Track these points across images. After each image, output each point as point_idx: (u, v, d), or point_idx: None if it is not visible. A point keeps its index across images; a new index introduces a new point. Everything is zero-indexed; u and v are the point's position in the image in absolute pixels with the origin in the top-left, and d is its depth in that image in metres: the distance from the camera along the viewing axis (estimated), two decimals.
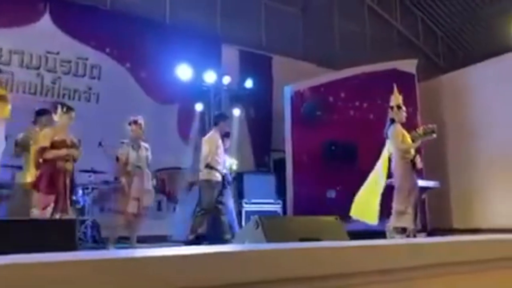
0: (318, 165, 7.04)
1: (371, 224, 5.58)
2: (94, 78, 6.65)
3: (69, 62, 6.57)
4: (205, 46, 7.12)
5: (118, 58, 6.76)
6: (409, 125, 7.52)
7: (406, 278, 0.98)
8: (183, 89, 6.77)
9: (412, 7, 9.69)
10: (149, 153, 4.84)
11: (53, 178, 3.82)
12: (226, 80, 7.09)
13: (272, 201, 6.73)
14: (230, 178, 5.50)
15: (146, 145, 4.86)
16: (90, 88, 6.64)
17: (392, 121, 4.71)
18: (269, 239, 2.57)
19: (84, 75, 6.63)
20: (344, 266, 0.91)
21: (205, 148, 5.13)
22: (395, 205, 4.43)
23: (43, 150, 3.88)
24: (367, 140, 6.87)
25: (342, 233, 3.14)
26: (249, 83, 7.29)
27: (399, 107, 4.72)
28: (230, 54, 7.52)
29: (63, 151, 3.92)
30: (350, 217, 6.31)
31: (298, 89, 7.30)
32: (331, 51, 8.81)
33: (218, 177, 5.10)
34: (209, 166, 5.07)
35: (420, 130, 4.66)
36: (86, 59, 6.62)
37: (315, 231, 2.87)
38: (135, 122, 4.74)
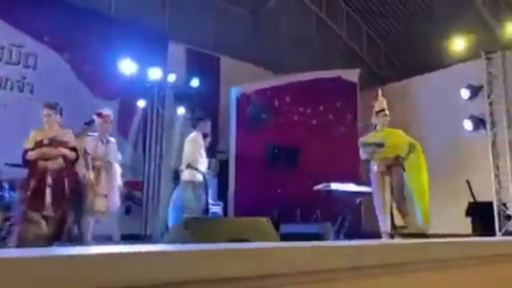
0: (260, 167, 7.16)
1: (310, 227, 5.77)
2: (29, 67, 6.30)
3: (2, 48, 6.16)
4: (151, 42, 6.96)
5: (57, 47, 6.44)
6: (348, 132, 7.91)
7: (327, 279, 1.00)
8: (125, 84, 6.65)
9: (358, 20, 9.98)
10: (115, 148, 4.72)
11: (38, 178, 3.92)
12: (172, 77, 7.00)
13: (213, 202, 6.61)
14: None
15: (113, 139, 4.76)
16: (24, 78, 6.26)
17: (375, 127, 4.73)
18: (197, 240, 2.53)
19: (18, 63, 6.24)
20: (269, 267, 0.91)
21: (187, 148, 5.10)
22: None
23: (25, 152, 4.00)
24: (309, 144, 7.28)
25: (272, 234, 3.14)
26: (195, 82, 7.24)
27: (382, 111, 4.73)
28: (177, 51, 7.43)
29: (37, 152, 3.97)
30: (290, 219, 6.49)
31: (244, 91, 7.57)
32: (279, 55, 8.88)
33: (200, 177, 5.08)
34: (190, 166, 5.06)
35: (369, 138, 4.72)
36: (21, 46, 6.24)
37: (244, 232, 2.85)
38: (100, 115, 4.57)
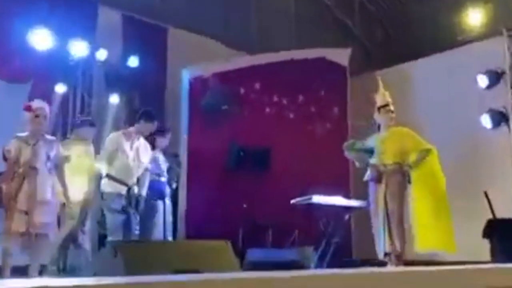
0: (220, 174, 7.20)
1: (286, 252, 5.94)
2: None
3: None
4: (74, 7, 6.86)
5: None
6: (335, 129, 8.04)
7: None
8: (39, 62, 6.50)
9: None
10: (55, 151, 4.76)
11: None
12: (102, 54, 6.88)
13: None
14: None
15: (52, 138, 4.86)
16: None
17: (378, 126, 4.93)
18: (130, 271, 2.51)
19: None
20: None
21: (102, 152, 5.36)
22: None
23: None
24: (285, 145, 7.32)
25: (233, 262, 3.22)
26: (134, 61, 7.13)
27: (385, 107, 4.92)
28: (109, 20, 7.28)
29: None
30: (259, 242, 6.68)
31: (200, 74, 7.37)
32: (246, 30, 8.81)
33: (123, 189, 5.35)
34: (108, 176, 5.31)
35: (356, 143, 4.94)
36: None
37: (196, 260, 2.91)
38: (28, 108, 4.65)
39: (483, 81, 7.37)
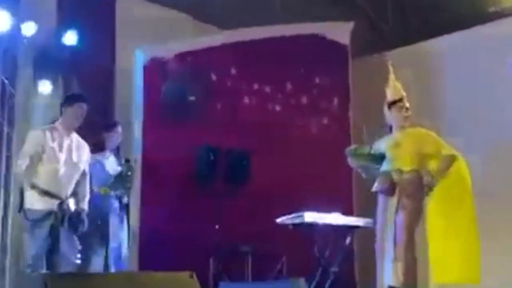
0: (185, 185, 7.06)
1: (270, 286, 5.88)
2: None
3: None
4: None
5: None
6: (333, 125, 8.06)
7: None
8: None
9: None
10: None
11: None
12: (29, 28, 6.44)
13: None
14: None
15: None
16: None
17: (390, 128, 4.95)
18: None
19: None
20: None
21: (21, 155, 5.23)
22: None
23: None
24: (268, 146, 7.18)
25: None
26: (71, 38, 6.72)
27: (398, 102, 4.89)
28: None
29: None
30: (236, 273, 6.68)
31: (159, 55, 7.19)
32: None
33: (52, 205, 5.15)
34: (33, 186, 5.13)
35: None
36: None
37: None
38: None
39: None
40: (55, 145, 5.09)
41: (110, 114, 6.91)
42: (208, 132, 7.03)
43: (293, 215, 6.00)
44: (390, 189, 4.72)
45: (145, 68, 7.03)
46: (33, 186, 4.98)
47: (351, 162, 4.97)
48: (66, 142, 5.14)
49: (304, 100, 7.89)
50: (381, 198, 4.84)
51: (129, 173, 6.20)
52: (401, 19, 9.56)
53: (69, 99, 5.37)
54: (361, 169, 5.06)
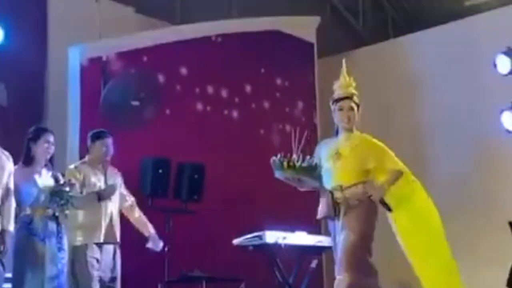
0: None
1: None
2: None
3: None
4: None
5: None
6: (303, 130, 7.95)
7: None
8: None
9: None
10: None
11: None
12: None
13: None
14: None
15: None
16: None
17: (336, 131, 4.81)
18: None
19: None
20: None
21: None
22: None
23: None
24: (224, 157, 7.17)
25: None
26: None
27: (344, 100, 4.69)
28: None
29: None
30: None
31: (97, 54, 6.98)
32: None
33: None
34: None
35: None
36: None
37: None
38: None
39: (503, 64, 7.03)
40: None
41: (41, 121, 6.67)
42: (154, 141, 6.89)
43: (252, 234, 5.84)
44: (333, 213, 4.52)
45: (82, 68, 6.83)
46: None
47: (279, 175, 4.63)
48: None
49: (265, 104, 7.90)
50: (330, 225, 4.70)
51: (67, 188, 5.64)
52: (376, 12, 9.75)
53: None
54: (293, 183, 4.75)
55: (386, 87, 8.69)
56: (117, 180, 5.59)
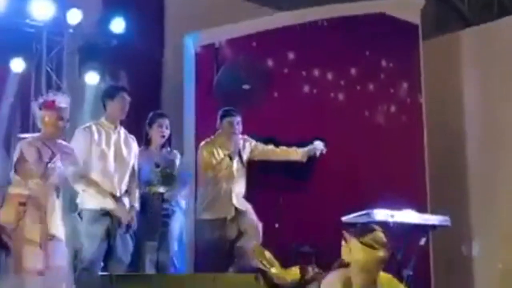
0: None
1: None
2: None
3: None
4: None
5: None
6: (403, 114, 7.96)
7: None
8: None
9: None
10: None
11: None
12: (75, 17, 6.59)
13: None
14: None
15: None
16: None
17: None
18: None
19: None
20: None
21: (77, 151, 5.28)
22: None
23: None
24: (331, 137, 7.02)
25: None
26: (118, 25, 6.84)
27: None
28: None
29: None
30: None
31: (210, 41, 7.16)
32: None
33: (109, 205, 5.33)
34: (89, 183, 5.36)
35: None
36: None
37: None
38: (49, 105, 4.71)
39: None
40: (102, 141, 5.22)
41: (158, 106, 6.98)
42: (266, 122, 7.03)
43: (361, 212, 5.90)
44: None
45: (197, 55, 7.05)
46: (89, 184, 5.12)
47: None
48: (113, 138, 5.27)
49: (370, 86, 7.83)
50: None
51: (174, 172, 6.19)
52: None
53: (110, 91, 5.51)
54: None
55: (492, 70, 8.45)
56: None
